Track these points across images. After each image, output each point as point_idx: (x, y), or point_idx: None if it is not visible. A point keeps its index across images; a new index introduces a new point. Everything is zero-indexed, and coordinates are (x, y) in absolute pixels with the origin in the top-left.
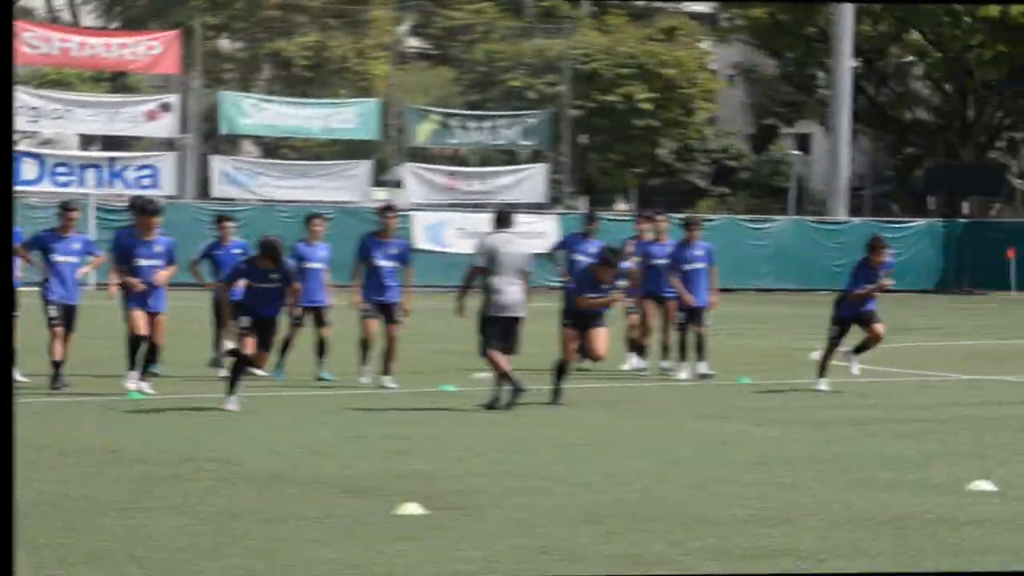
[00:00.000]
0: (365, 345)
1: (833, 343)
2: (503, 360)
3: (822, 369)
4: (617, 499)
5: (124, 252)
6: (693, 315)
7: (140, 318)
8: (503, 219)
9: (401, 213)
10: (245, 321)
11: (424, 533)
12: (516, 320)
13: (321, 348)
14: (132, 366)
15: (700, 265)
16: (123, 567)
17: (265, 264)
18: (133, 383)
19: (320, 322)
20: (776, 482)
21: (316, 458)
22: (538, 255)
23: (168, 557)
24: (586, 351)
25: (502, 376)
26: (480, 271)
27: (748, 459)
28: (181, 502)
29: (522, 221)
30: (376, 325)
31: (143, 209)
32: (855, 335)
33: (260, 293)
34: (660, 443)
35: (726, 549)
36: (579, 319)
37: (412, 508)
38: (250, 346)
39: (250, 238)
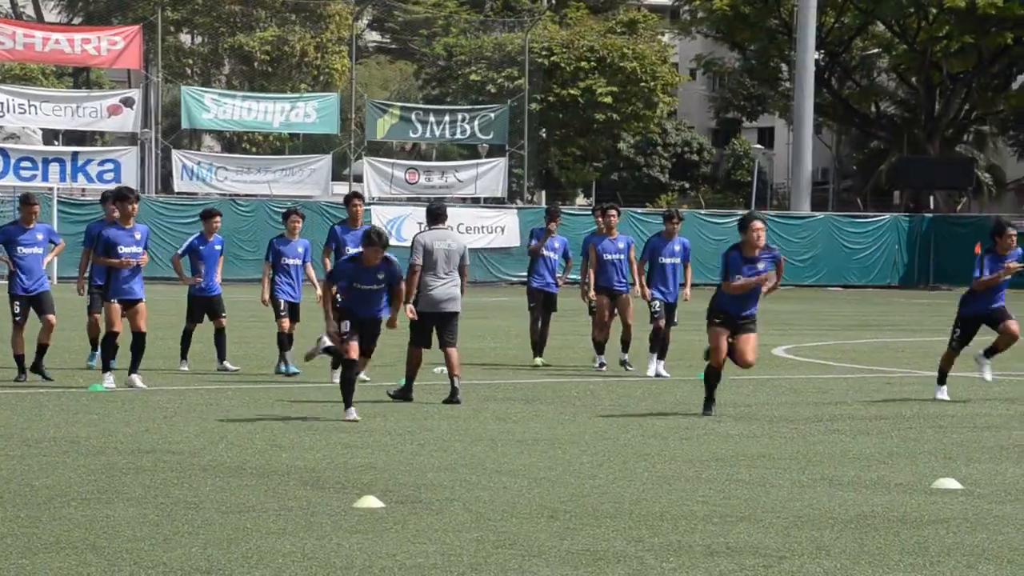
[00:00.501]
0: None
1: (954, 346)
2: (417, 362)
3: (942, 376)
4: (576, 494)
5: (105, 241)
6: (667, 310)
7: (116, 313)
8: (436, 215)
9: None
10: (346, 325)
11: (382, 526)
12: (451, 315)
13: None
14: (105, 364)
15: (677, 260)
16: (85, 556)
17: (371, 262)
18: (110, 381)
19: (290, 317)
20: (737, 479)
21: (276, 451)
22: (529, 253)
23: (129, 547)
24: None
25: (408, 375)
26: (417, 268)
27: (709, 455)
28: (142, 493)
29: (482, 215)
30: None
31: (124, 197)
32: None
33: (363, 295)
34: (620, 438)
35: (686, 546)
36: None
37: (370, 501)
38: (353, 351)
39: None
